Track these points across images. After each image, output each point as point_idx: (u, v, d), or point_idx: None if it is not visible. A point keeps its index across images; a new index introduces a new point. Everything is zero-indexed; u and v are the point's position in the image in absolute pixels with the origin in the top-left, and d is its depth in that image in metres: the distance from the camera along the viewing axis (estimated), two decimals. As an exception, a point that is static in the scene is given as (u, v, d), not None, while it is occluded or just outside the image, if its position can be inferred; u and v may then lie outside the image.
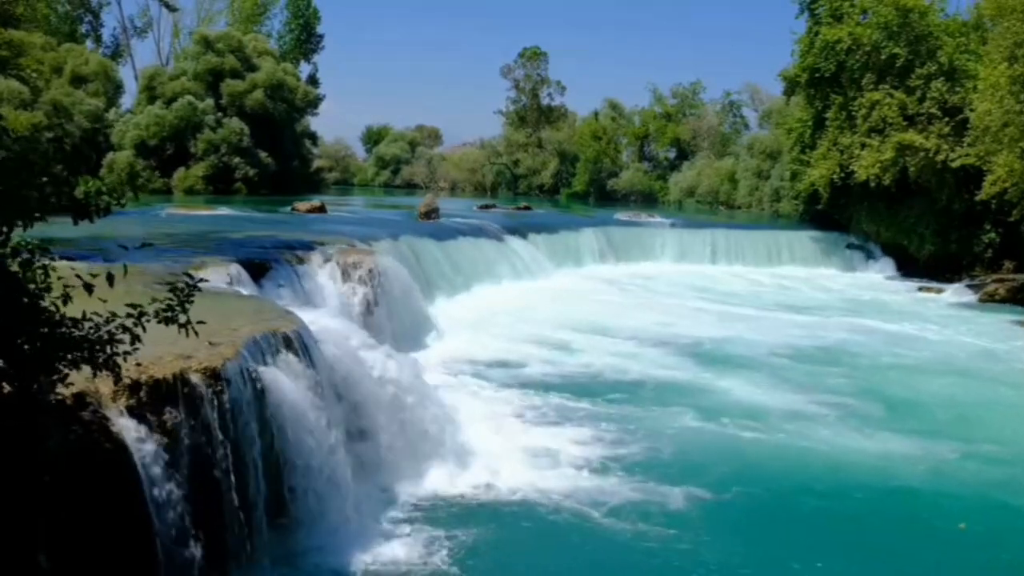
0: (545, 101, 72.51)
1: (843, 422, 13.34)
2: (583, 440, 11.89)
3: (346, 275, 16.40)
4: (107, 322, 5.51)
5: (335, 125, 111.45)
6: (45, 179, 5.02)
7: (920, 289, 29.29)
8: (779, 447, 12.15)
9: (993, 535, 9.64)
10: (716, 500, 10.07)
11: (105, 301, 5.39)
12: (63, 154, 5.14)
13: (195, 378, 7.14)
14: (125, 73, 57.41)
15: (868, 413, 13.87)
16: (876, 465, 11.52)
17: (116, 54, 62.08)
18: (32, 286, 5.12)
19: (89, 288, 5.21)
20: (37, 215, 5.09)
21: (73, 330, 5.28)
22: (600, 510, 9.57)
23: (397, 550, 8.44)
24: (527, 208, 41.97)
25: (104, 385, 6.24)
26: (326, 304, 14.88)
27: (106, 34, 64.06)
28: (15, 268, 5.05)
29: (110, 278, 5.25)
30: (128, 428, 6.35)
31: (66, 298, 5.18)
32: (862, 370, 17.09)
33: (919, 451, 12.08)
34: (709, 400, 14.30)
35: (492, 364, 16.03)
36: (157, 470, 6.50)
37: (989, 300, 27.13)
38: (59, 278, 5.17)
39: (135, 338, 5.55)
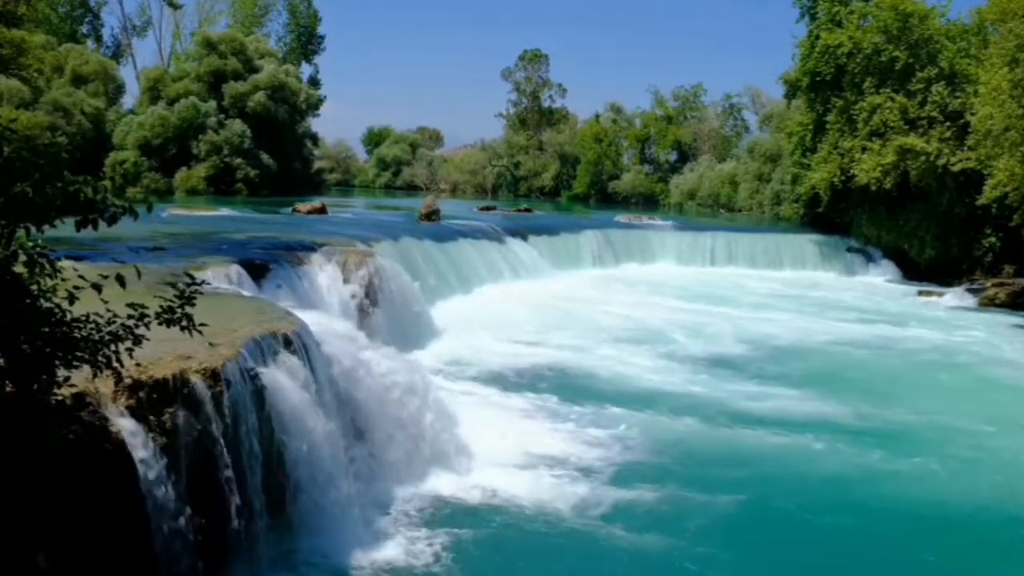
0: (546, 103, 72.65)
1: (843, 423, 13.32)
2: (584, 443, 11.86)
3: (346, 276, 16.42)
4: (109, 323, 5.51)
5: (336, 127, 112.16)
6: (60, 184, 5.00)
7: (920, 293, 29.27)
8: (779, 450, 12.14)
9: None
10: (719, 503, 10.04)
11: (107, 301, 5.39)
12: (71, 157, 5.15)
13: (195, 379, 7.14)
14: (126, 73, 57.62)
15: (867, 414, 13.86)
16: (875, 468, 11.52)
17: (117, 54, 62.23)
18: (34, 287, 5.12)
19: (98, 288, 5.21)
20: (54, 219, 5.07)
21: (74, 330, 5.27)
22: (602, 515, 9.54)
23: (396, 551, 8.44)
24: (528, 210, 41.92)
25: (104, 385, 6.24)
26: (326, 305, 14.88)
27: (106, 34, 64.32)
28: (20, 269, 5.04)
29: (120, 279, 5.24)
30: (127, 428, 6.35)
31: (72, 298, 5.18)
32: (862, 371, 17.08)
33: (918, 456, 12.08)
34: (710, 401, 14.28)
35: (491, 365, 16.00)
36: (156, 471, 6.50)
37: (989, 304, 27.15)
38: (64, 279, 5.16)
39: (137, 339, 5.55)
